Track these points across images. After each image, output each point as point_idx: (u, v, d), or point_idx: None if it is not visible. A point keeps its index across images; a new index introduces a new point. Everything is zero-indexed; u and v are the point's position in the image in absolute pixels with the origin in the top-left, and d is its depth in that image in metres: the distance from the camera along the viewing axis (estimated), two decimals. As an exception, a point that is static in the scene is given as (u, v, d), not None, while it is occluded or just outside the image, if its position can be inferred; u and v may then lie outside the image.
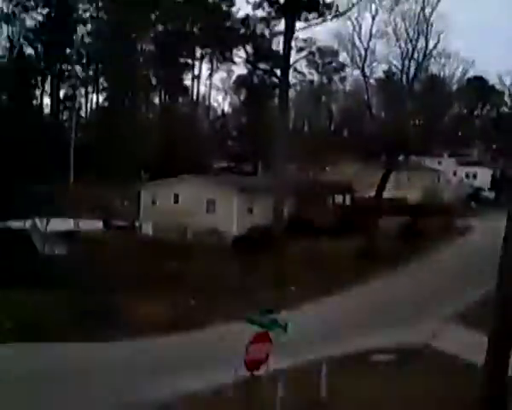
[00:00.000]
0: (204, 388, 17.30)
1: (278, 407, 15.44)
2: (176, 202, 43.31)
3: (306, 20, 41.08)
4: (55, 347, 20.89)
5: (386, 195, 47.80)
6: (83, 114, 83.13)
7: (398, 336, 23.48)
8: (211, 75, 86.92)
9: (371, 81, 51.40)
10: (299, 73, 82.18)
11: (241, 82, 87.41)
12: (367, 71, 44.16)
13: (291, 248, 37.18)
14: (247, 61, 53.08)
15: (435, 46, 44.74)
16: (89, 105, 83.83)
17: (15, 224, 36.57)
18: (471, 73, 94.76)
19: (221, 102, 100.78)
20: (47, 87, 78.36)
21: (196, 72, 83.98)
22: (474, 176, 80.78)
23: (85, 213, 42.57)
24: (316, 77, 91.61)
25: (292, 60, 42.78)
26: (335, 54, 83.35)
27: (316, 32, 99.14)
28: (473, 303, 28.23)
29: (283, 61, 41.17)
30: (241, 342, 13.45)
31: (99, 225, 42.88)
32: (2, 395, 15.93)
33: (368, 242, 41.18)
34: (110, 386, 17.03)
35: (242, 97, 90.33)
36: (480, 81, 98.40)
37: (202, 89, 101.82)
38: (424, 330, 24.34)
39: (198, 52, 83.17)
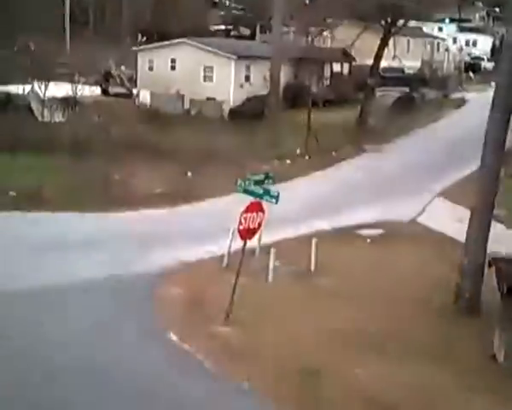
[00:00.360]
0: (204, 256, 18.32)
1: (270, 275, 16.77)
2: (173, 68, 43.02)
3: None
4: (57, 217, 21.71)
5: (384, 63, 47.69)
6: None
7: (386, 211, 24.46)
8: None
9: None
10: None
11: None
12: None
13: (286, 118, 37.71)
14: None
15: None
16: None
17: (14, 89, 36.76)
18: None
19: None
20: None
21: None
22: (474, 44, 79.41)
23: (83, 78, 42.50)
24: None
25: None
26: None
27: None
28: (463, 179, 29.03)
29: None
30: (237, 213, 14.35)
31: (97, 91, 42.90)
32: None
33: (362, 114, 41.71)
34: (116, 256, 17.94)
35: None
36: None
37: None
38: (411, 206, 25.51)
39: None
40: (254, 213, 13.69)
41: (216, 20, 72.27)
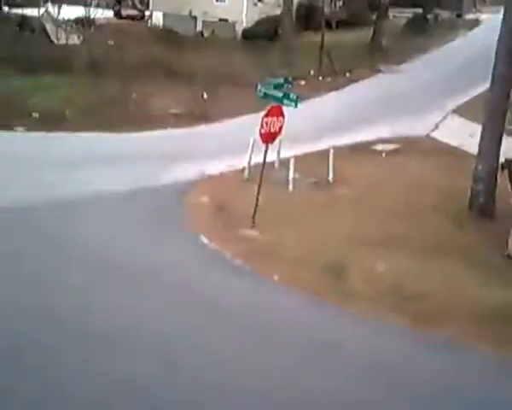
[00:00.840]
0: (225, 169, 18.96)
1: (291, 185, 17.41)
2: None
3: None
4: (80, 136, 22.25)
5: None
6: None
7: (401, 128, 24.85)
8: None
9: None
10: None
11: None
12: None
13: (300, 39, 37.67)
14: None
15: None
16: None
17: (29, 11, 36.82)
18: None
19: None
20: None
21: None
22: (489, -37, 77.81)
23: (95, 0, 42.33)
24: None
25: None
26: None
27: None
28: (477, 97, 29.18)
29: None
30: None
31: (109, 13, 42.78)
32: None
33: (376, 34, 41.52)
34: (143, 169, 18.55)
35: None
36: None
37: None
38: (426, 123, 25.88)
39: None
40: (275, 118, 14.07)
41: None
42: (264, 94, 14.79)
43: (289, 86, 15.26)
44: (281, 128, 14.31)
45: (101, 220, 14.30)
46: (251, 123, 16.91)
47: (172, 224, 14.28)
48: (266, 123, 13.98)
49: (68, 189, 15.98)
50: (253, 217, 14.10)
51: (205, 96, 28.08)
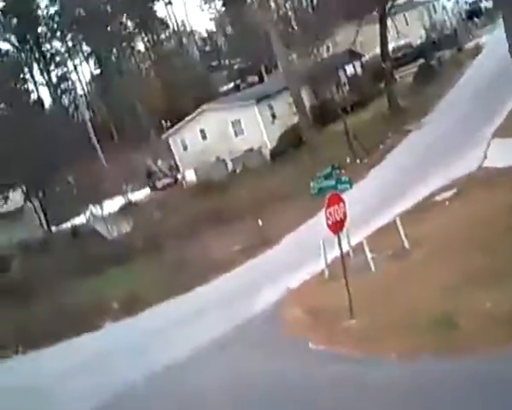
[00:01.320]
0: (306, 277, 19.38)
1: (372, 264, 17.54)
2: (204, 137, 44.49)
3: None
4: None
5: (391, 46, 48.35)
6: (80, 90, 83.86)
7: (452, 170, 24.82)
8: None
9: None
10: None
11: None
12: None
13: (323, 136, 38.66)
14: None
15: None
16: (83, 80, 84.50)
17: (77, 220, 38.95)
18: None
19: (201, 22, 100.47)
20: (37, 77, 79.28)
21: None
22: (468, -10, 79.73)
23: (129, 185, 44.50)
24: None
25: None
26: None
27: None
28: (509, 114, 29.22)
29: None
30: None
31: (146, 191, 44.79)
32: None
33: (390, 100, 42.31)
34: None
35: (219, 6, 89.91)
36: None
37: (179, 17, 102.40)
38: (473, 157, 25.70)
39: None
40: (336, 206, 14.40)
41: (222, 82, 74.30)
42: (319, 189, 15.24)
43: (338, 172, 15.72)
44: (345, 214, 14.57)
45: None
46: (309, 230, 17.37)
47: (278, 338, 14.58)
48: (330, 213, 14.29)
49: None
50: (350, 308, 14.23)
51: (260, 223, 28.82)
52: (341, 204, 14.56)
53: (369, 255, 17.72)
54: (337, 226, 14.58)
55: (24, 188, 40.15)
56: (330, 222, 14.38)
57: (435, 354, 10.79)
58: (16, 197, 40.23)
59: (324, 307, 15.75)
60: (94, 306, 25.40)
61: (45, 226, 39.89)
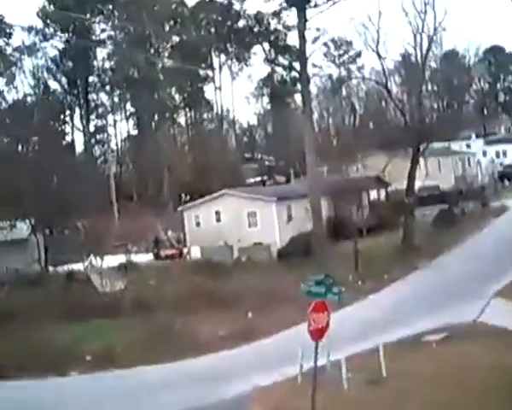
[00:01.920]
0: (278, 378, 19.07)
1: (345, 383, 17.29)
2: (218, 219, 44.99)
3: (316, 6, 42.11)
4: (133, 371, 22.73)
5: (418, 184, 49.14)
6: (114, 145, 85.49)
7: (446, 316, 24.80)
8: (231, 75, 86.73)
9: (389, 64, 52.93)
10: (316, 66, 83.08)
11: (262, 85, 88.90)
12: (382, 53, 45.57)
13: (332, 250, 38.82)
14: (265, 59, 54.64)
15: (444, 17, 45.86)
16: (119, 136, 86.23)
17: (75, 266, 38.98)
18: (487, 44, 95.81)
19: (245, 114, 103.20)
20: (76, 122, 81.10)
21: (218, 84, 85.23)
22: (504, 153, 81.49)
23: (134, 246, 44.77)
24: (334, 71, 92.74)
25: (308, 52, 43.09)
26: (349, 43, 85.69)
27: (328, 24, 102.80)
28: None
29: (300, 53, 41.93)
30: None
31: (149, 256, 44.98)
32: None
33: (406, 234, 42.66)
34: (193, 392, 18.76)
35: (265, 103, 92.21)
36: (497, 50, 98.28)
37: (225, 103, 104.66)
38: (471, 309, 25.74)
39: (216, 62, 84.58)
40: (321, 313, 14.36)
41: (251, 174, 75.49)
42: (308, 292, 15.22)
43: (330, 281, 15.69)
44: (328, 323, 14.49)
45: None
46: (296, 334, 17.28)
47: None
48: (314, 320, 14.25)
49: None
50: (311, 418, 14.01)
51: (249, 315, 28.68)
52: (326, 313, 14.53)
53: (344, 373, 17.54)
54: (318, 334, 14.50)
55: (32, 221, 40.46)
56: (312, 328, 14.34)
57: None
58: (23, 228, 40.51)
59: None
60: (68, 352, 25.08)
61: (43, 263, 39.96)
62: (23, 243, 40.25)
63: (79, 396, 20.25)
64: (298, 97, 73.40)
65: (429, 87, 76.27)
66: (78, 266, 39.40)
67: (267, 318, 27.77)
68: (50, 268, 40.65)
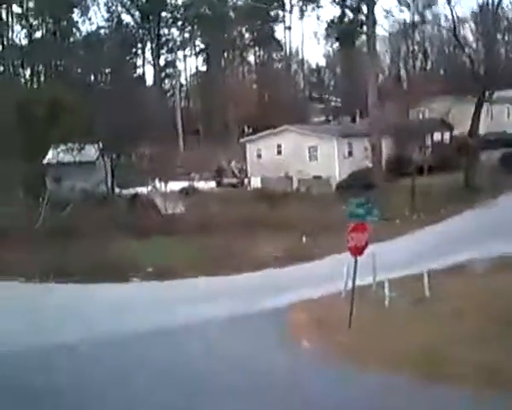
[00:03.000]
0: (324, 293, 20.08)
1: (387, 300, 18.11)
2: (279, 152, 45.84)
3: None
4: (189, 281, 24.07)
5: (483, 130, 48.54)
6: (183, 79, 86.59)
7: (494, 248, 24.99)
8: (302, 15, 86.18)
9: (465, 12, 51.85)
10: (388, 12, 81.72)
11: (331, 26, 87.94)
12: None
13: (391, 186, 39.15)
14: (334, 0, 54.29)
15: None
16: (188, 71, 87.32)
17: (140, 189, 40.65)
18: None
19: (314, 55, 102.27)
20: (147, 55, 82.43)
21: (288, 24, 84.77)
22: None
23: (197, 174, 46.13)
24: (407, 16, 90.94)
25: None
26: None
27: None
28: None
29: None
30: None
31: (211, 184, 46.32)
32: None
33: (468, 174, 42.48)
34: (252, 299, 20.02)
35: (334, 45, 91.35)
36: None
37: (294, 43, 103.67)
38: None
39: (287, 2, 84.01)
40: (360, 233, 15.40)
41: (317, 113, 75.58)
42: (350, 213, 16.17)
43: (370, 204, 16.53)
44: (366, 243, 15.52)
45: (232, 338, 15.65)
46: (347, 257, 18.03)
47: (280, 335, 15.50)
48: (352, 238, 15.31)
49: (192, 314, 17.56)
50: (350, 320, 14.94)
51: (304, 239, 29.63)
52: (365, 233, 15.55)
53: (387, 292, 18.28)
54: (357, 250, 15.55)
55: (101, 145, 42.03)
56: (350, 245, 15.33)
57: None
58: (91, 151, 42.12)
59: (329, 319, 16.47)
60: (131, 264, 26.60)
61: (109, 185, 41.64)
62: (91, 165, 41.98)
63: (140, 296, 21.69)
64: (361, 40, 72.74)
65: (505, 38, 74.20)
66: (142, 190, 40.98)
67: (320, 243, 28.66)
68: (116, 190, 42.45)
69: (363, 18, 47.80)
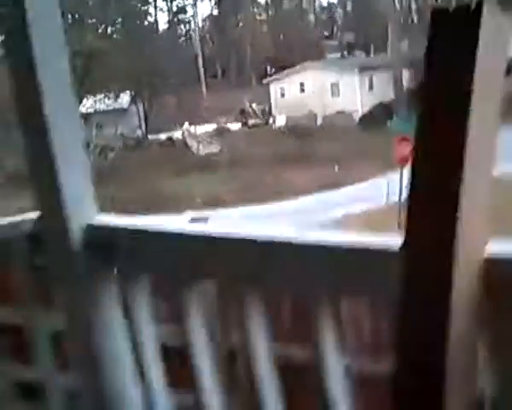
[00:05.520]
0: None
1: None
2: (302, 90, 47.43)
3: None
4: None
5: None
6: (194, 24, 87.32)
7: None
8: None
9: None
10: None
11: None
12: None
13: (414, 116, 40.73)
14: None
15: None
16: (200, 16, 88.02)
17: (172, 133, 42.73)
18: None
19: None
20: (159, 3, 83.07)
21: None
22: None
23: (223, 117, 47.85)
24: None
25: None
26: None
27: None
28: None
29: None
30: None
31: (237, 126, 48.10)
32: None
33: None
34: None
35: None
36: None
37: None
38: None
39: None
40: (404, 145, 17.41)
41: (331, 50, 76.55)
42: (396, 128, 18.26)
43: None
44: (411, 152, 17.38)
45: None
46: (377, 183, 20.24)
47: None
48: (399, 150, 17.34)
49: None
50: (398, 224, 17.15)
51: (336, 169, 31.66)
52: (409, 144, 17.49)
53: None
54: (403, 160, 17.50)
55: (133, 93, 43.90)
56: (398, 156, 17.38)
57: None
58: (123, 99, 43.98)
59: (376, 226, 18.65)
60: (179, 198, 28.79)
61: (143, 130, 43.64)
62: (124, 111, 43.95)
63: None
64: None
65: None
66: (174, 134, 42.96)
67: (352, 171, 30.67)
68: (150, 136, 44.46)
69: None
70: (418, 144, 1.58)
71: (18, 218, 3.02)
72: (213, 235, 2.32)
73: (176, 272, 2.45)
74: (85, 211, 2.59)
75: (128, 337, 2.58)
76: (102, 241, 2.55)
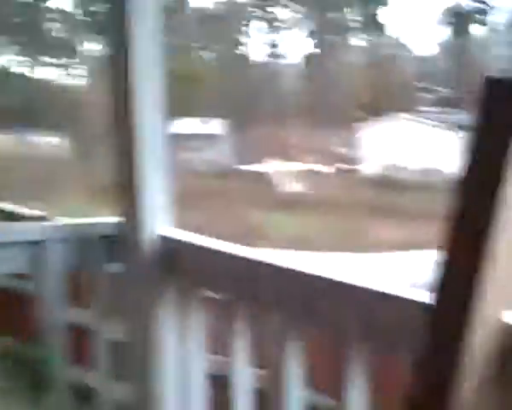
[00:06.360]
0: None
1: None
2: (393, 140, 46.51)
3: None
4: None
5: None
6: (290, 60, 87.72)
7: None
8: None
9: None
10: None
11: (444, 14, 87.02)
12: None
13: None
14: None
15: None
16: (296, 53, 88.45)
17: (258, 166, 42.64)
18: None
19: (424, 41, 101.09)
20: (253, 33, 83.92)
21: (397, 9, 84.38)
22: None
23: (311, 157, 47.44)
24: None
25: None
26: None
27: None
28: None
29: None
30: None
31: (324, 168, 47.55)
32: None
33: None
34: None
35: (446, 33, 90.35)
36: None
37: (404, 29, 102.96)
38: None
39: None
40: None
41: (424, 103, 75.43)
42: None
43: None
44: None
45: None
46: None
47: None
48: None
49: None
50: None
51: (428, 227, 30.65)
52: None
53: None
54: None
55: (225, 120, 43.95)
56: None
57: None
58: (216, 125, 44.03)
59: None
60: (264, 232, 28.44)
61: (231, 159, 43.58)
62: (215, 138, 43.99)
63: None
64: (480, 29, 71.73)
65: None
66: (262, 167, 42.72)
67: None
68: (236, 166, 44.32)
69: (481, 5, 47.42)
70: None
71: (96, 219, 3.40)
72: (276, 264, 2.48)
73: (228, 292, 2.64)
74: (160, 223, 2.90)
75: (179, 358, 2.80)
76: (168, 253, 2.78)
